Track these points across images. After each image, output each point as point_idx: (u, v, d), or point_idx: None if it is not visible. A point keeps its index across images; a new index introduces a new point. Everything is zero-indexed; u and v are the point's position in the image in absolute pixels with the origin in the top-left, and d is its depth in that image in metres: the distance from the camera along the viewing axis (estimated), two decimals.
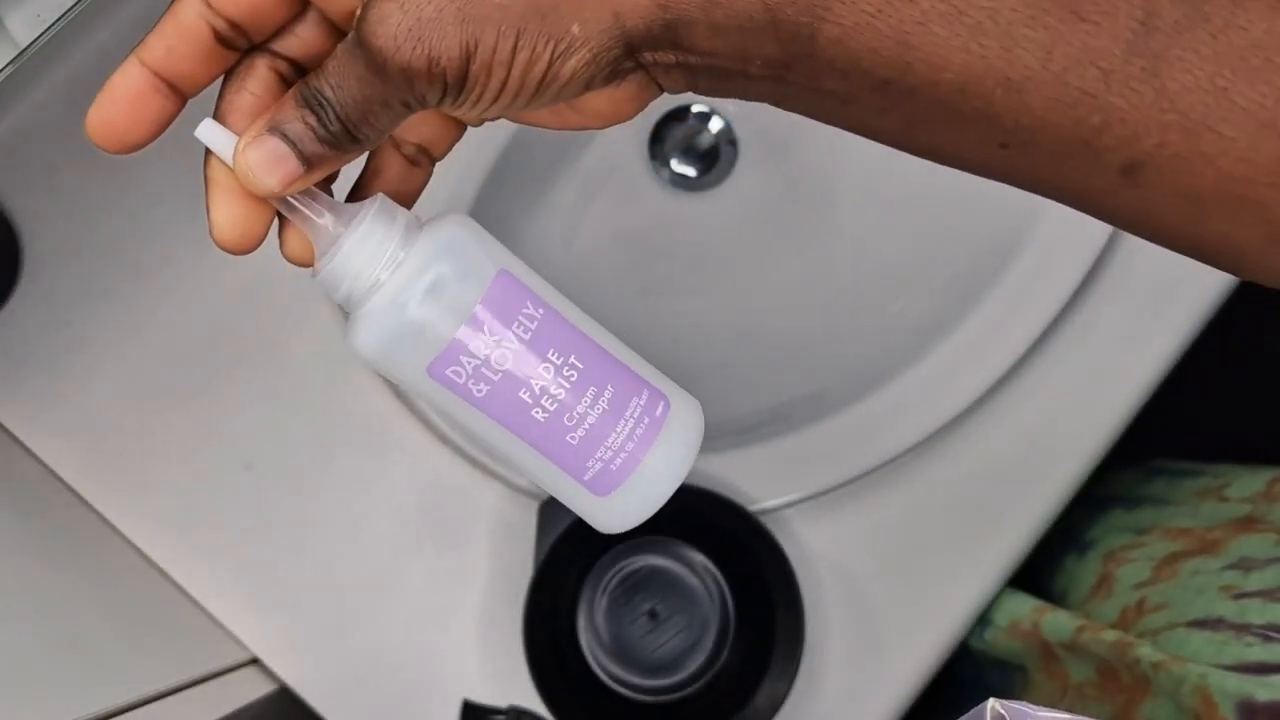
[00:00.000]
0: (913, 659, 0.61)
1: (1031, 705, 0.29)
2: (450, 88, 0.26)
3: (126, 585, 0.60)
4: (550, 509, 0.59)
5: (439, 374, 0.31)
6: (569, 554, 0.59)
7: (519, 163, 0.65)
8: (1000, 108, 0.26)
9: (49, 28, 0.60)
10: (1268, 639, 0.46)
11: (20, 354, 0.62)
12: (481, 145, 0.63)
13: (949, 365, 0.61)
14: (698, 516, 0.59)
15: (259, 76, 0.29)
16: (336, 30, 0.29)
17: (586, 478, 0.32)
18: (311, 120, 0.27)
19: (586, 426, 0.31)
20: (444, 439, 0.62)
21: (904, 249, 0.69)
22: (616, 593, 0.61)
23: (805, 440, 0.61)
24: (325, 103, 0.27)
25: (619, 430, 0.32)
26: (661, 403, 0.33)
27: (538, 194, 0.72)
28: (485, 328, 0.30)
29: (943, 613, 0.62)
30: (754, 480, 0.61)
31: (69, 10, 0.61)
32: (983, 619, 0.62)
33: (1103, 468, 0.65)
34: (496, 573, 0.62)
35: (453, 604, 0.62)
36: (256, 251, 0.63)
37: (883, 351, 0.64)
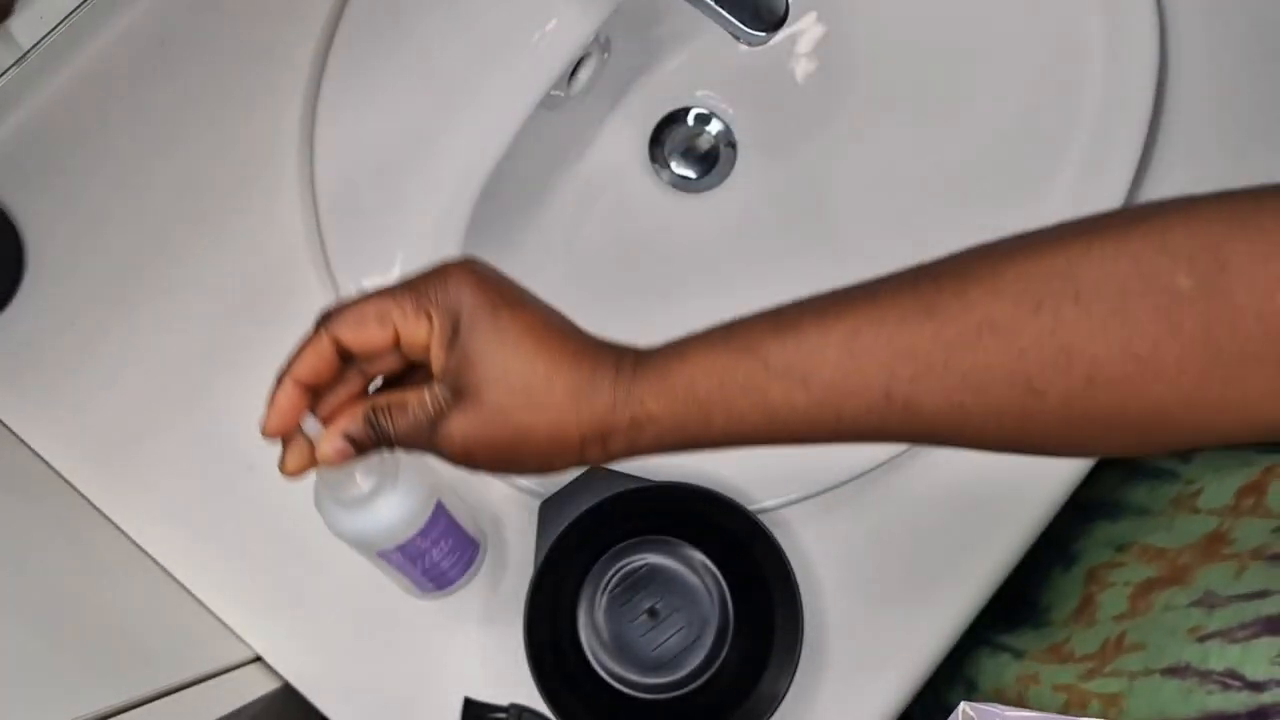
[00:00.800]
0: (910, 657, 0.62)
1: (1000, 706, 0.30)
2: (484, 467, 0.41)
3: (130, 583, 0.60)
4: (551, 509, 0.59)
5: (383, 554, 0.52)
6: (570, 553, 0.59)
7: (520, 165, 0.66)
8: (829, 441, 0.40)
9: (52, 30, 0.61)
10: (1226, 686, 0.47)
11: (24, 354, 0.63)
12: (482, 148, 0.63)
13: None
14: (698, 516, 0.60)
15: (351, 383, 0.43)
16: (409, 362, 0.43)
17: (425, 588, 0.58)
18: (371, 436, 0.41)
19: (441, 571, 0.57)
20: None
21: (900, 251, 0.69)
22: (617, 591, 0.61)
23: None
24: (385, 434, 0.41)
25: (455, 573, 0.58)
26: (479, 554, 0.60)
27: (539, 196, 0.72)
28: (419, 537, 0.52)
29: (940, 611, 0.62)
30: (754, 480, 0.61)
31: (71, 13, 0.61)
32: (969, 683, 0.64)
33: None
34: (497, 571, 0.62)
35: (454, 602, 0.62)
36: (259, 256, 0.64)
37: None
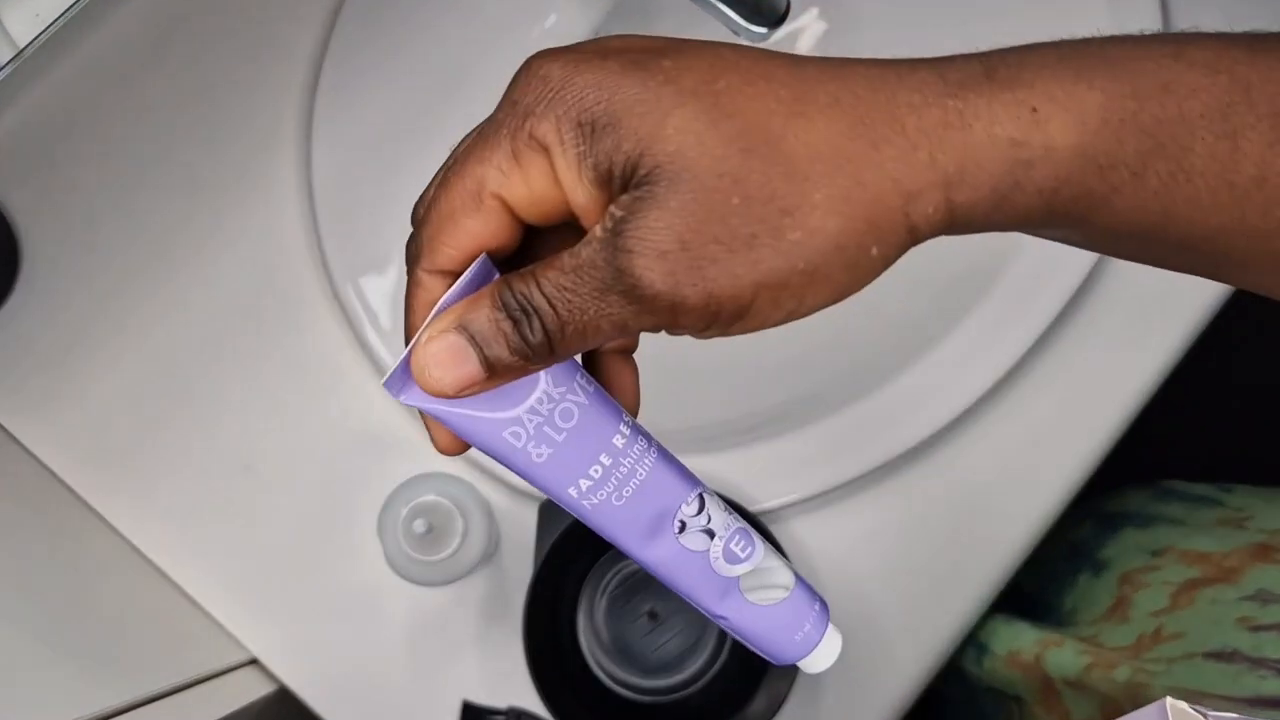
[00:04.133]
0: (912, 659, 0.61)
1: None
2: (721, 321, 0.26)
3: (126, 586, 0.60)
4: (550, 509, 0.59)
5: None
6: (569, 554, 0.59)
7: None
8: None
9: (48, 27, 0.60)
10: None
11: (19, 354, 0.63)
12: None
13: (948, 367, 0.61)
14: None
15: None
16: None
17: None
18: (507, 327, 0.25)
19: None
20: None
21: None
22: (616, 593, 0.61)
23: (805, 440, 0.61)
24: (532, 311, 0.25)
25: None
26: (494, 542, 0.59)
27: None
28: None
29: (941, 613, 0.62)
30: (754, 480, 0.61)
31: (67, 10, 0.61)
32: (981, 646, 0.62)
33: (1111, 487, 0.64)
34: (496, 573, 0.62)
35: (453, 604, 0.62)
36: (253, 254, 0.63)
37: (881, 353, 0.64)
